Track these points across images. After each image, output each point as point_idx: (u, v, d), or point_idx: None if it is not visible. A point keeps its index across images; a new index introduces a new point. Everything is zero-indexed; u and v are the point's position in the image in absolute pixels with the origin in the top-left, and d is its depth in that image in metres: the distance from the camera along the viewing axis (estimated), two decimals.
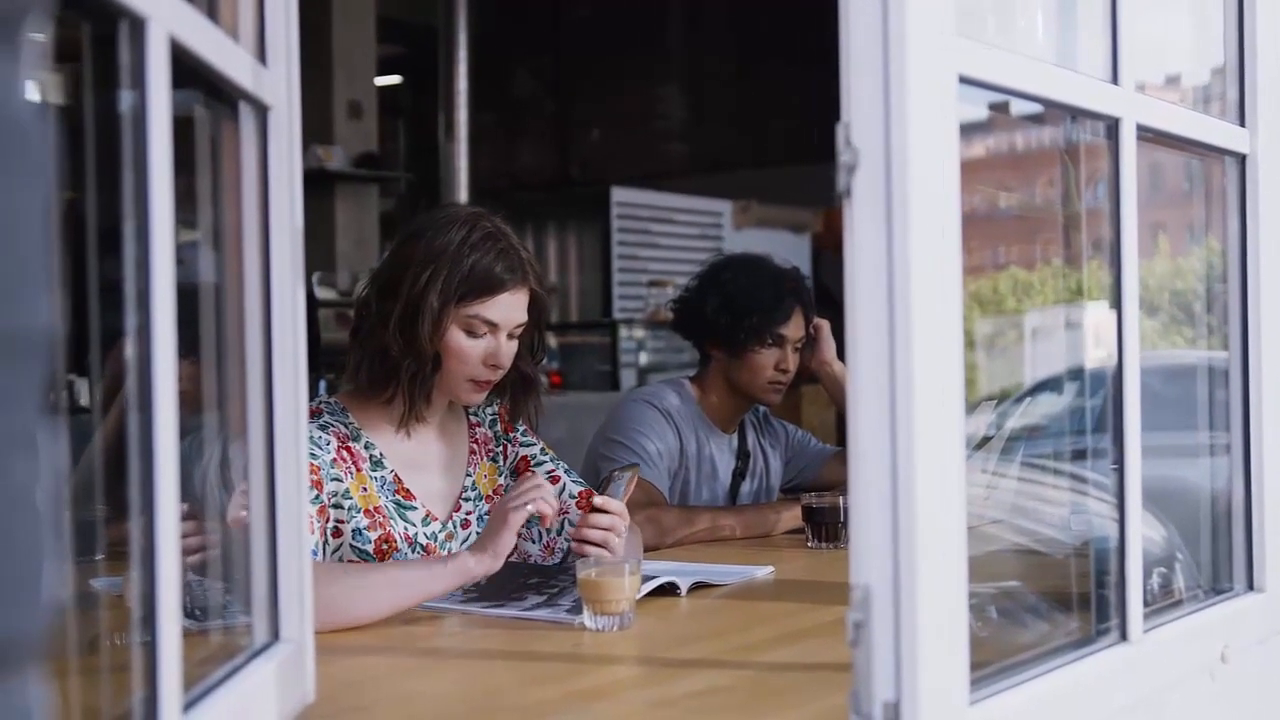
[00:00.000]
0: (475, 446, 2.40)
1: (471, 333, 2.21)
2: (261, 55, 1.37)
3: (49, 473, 0.58)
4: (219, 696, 1.19)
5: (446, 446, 2.36)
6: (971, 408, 2.10)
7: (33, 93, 0.59)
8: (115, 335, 1.05)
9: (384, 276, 2.24)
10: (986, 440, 2.30)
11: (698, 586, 2.20)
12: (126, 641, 1.45)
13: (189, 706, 1.11)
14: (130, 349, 1.02)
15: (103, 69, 1.04)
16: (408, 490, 2.26)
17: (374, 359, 2.22)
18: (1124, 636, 1.55)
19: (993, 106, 1.52)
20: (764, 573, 2.37)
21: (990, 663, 1.35)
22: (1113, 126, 1.56)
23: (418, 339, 2.18)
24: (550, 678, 1.66)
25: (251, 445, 1.39)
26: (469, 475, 2.37)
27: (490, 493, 2.38)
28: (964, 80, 1.28)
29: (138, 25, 1.01)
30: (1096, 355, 1.96)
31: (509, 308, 2.23)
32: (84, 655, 1.25)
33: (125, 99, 1.03)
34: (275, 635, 1.39)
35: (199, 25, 1.15)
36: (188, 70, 1.13)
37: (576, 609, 1.92)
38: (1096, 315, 1.92)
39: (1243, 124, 1.85)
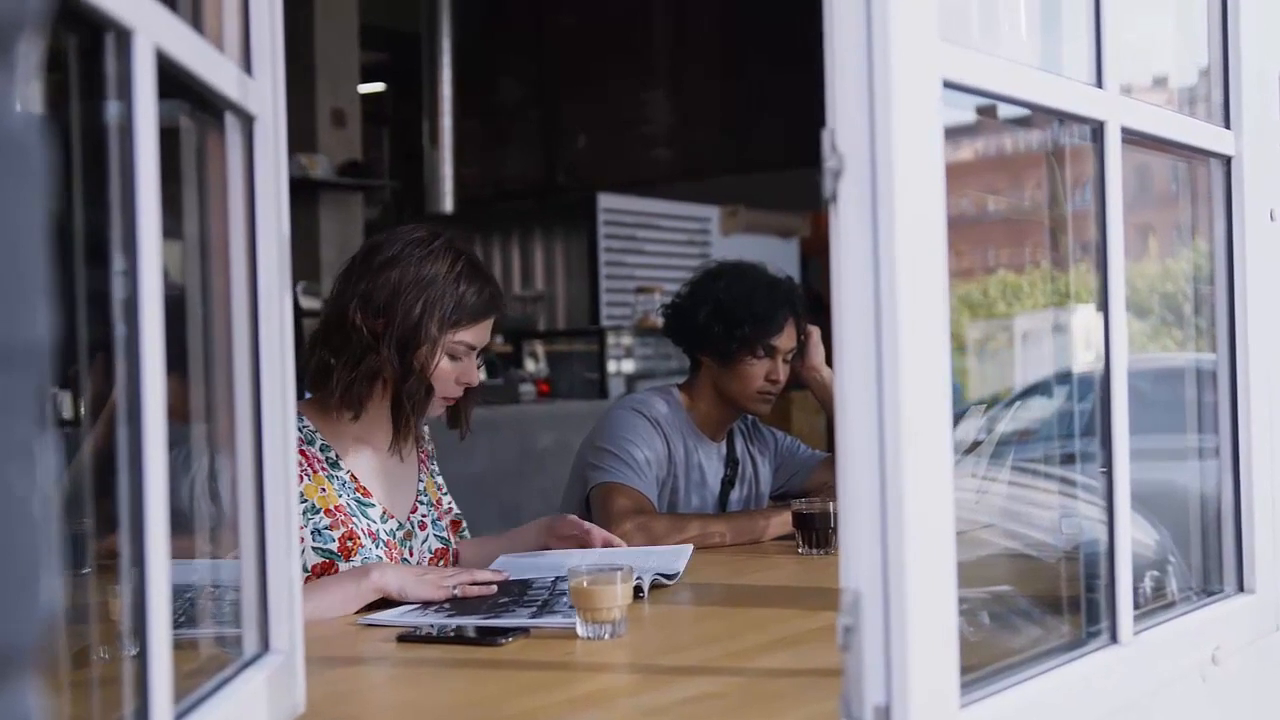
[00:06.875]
0: (424, 457, 2.52)
1: (453, 357, 2.33)
2: (247, 65, 1.37)
3: (45, 483, 0.58)
4: (210, 708, 1.19)
5: (400, 453, 2.44)
6: (961, 412, 2.10)
7: (29, 105, 0.59)
8: (102, 347, 1.05)
9: (370, 299, 2.29)
10: (977, 445, 2.30)
11: (658, 586, 2.23)
12: (108, 655, 1.44)
13: (180, 718, 1.10)
14: (119, 361, 1.02)
15: (87, 79, 1.04)
16: (365, 489, 2.34)
17: (363, 380, 2.29)
18: (1114, 638, 1.55)
19: (980, 110, 1.52)
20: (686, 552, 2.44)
21: (981, 666, 1.35)
22: (1098, 130, 1.56)
23: (413, 365, 2.28)
24: (542, 686, 1.66)
25: (240, 457, 1.38)
26: (420, 481, 2.48)
27: (434, 501, 2.49)
28: (948, 85, 1.28)
29: (124, 37, 1.01)
30: (1086, 359, 1.97)
31: (488, 332, 2.38)
32: (70, 669, 1.25)
33: (111, 110, 1.03)
34: (265, 646, 1.39)
35: (185, 36, 1.14)
36: (172, 80, 1.12)
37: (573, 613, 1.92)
38: (1085, 318, 1.93)
39: (1228, 126, 1.86)
